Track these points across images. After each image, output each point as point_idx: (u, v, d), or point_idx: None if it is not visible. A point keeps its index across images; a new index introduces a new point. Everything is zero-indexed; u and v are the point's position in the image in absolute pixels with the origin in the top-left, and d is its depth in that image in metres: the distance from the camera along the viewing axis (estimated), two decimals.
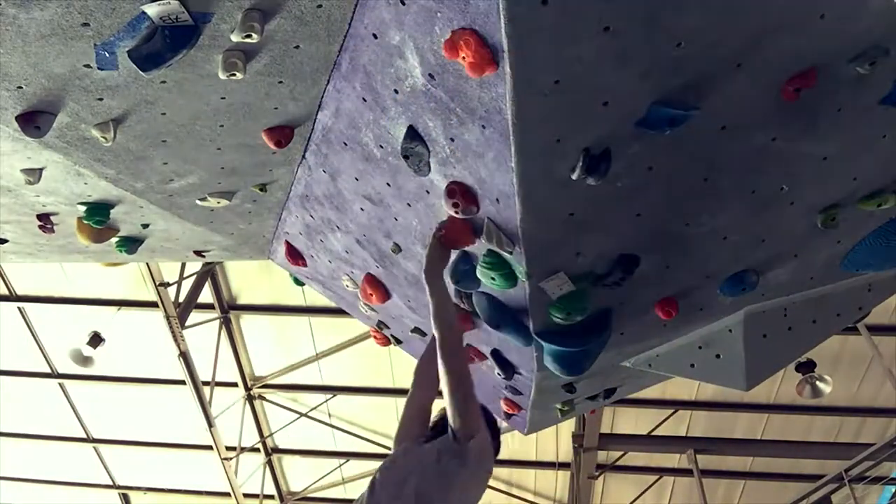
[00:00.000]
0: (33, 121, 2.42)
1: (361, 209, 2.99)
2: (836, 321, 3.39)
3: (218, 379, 8.53)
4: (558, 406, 3.82)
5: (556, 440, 9.09)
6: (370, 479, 2.48)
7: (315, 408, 9.37)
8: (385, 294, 3.50)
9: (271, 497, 10.32)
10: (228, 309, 8.42)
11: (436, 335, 2.53)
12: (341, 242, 3.38)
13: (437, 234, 2.64)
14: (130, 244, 3.72)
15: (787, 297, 3.18)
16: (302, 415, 9.36)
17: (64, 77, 2.24)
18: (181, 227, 3.59)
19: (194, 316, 7.79)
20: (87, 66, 2.20)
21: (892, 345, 7.80)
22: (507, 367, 3.36)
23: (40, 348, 9.01)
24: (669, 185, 2.37)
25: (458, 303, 3.05)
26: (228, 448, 8.99)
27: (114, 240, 3.64)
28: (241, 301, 8.43)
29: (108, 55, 2.16)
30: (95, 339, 7.74)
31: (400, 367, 8.24)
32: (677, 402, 8.76)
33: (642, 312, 2.97)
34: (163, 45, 2.09)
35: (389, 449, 2.80)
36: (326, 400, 9.27)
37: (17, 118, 2.40)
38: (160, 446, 10.16)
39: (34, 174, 2.86)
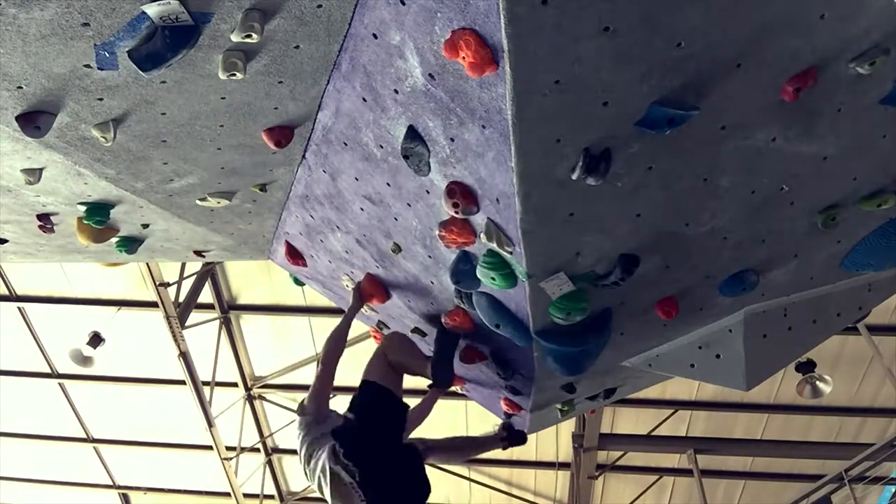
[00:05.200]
0: (33, 121, 2.42)
1: (361, 209, 2.99)
2: (836, 321, 3.39)
3: (218, 379, 8.53)
4: (558, 406, 3.83)
5: (556, 440, 9.09)
6: None
7: None
8: (385, 294, 3.50)
9: (271, 497, 10.32)
10: (228, 309, 8.42)
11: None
12: (341, 242, 3.38)
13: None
14: (130, 244, 3.72)
15: (787, 297, 3.18)
16: None
17: (64, 77, 2.24)
18: (181, 227, 3.59)
19: (194, 316, 7.79)
20: (87, 66, 2.20)
21: (892, 345, 7.80)
22: (507, 367, 3.36)
23: (40, 348, 9.01)
24: (669, 185, 2.37)
25: (459, 303, 3.05)
26: (228, 448, 8.99)
27: (114, 240, 3.64)
28: (241, 301, 8.43)
29: (108, 55, 2.15)
30: (95, 339, 7.73)
31: None
32: (677, 402, 8.76)
33: (642, 312, 2.97)
34: (163, 45, 2.09)
35: None
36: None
37: (17, 118, 2.40)
38: (160, 446, 10.17)
39: (34, 174, 2.86)
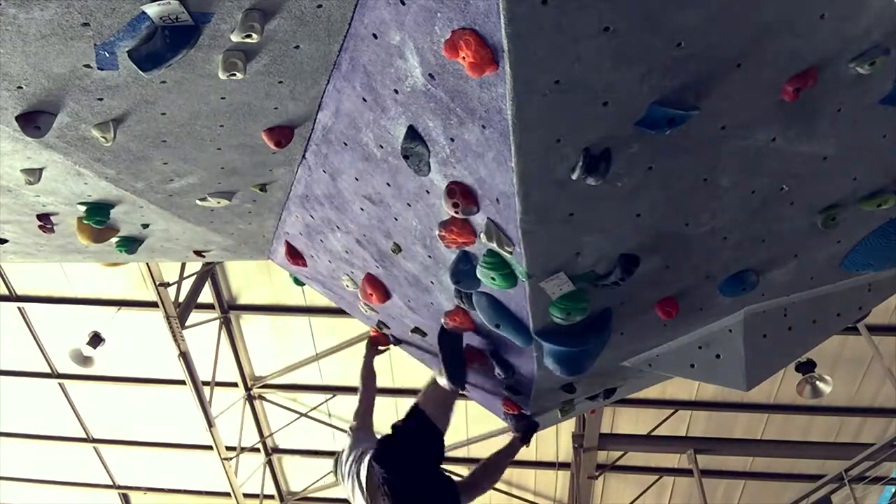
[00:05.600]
0: (33, 121, 2.42)
1: (361, 209, 2.99)
2: (836, 321, 3.39)
3: (218, 379, 8.53)
4: (558, 406, 3.82)
5: (556, 440, 9.10)
6: None
7: (315, 408, 9.37)
8: (385, 294, 3.50)
9: (271, 497, 10.33)
10: (228, 309, 8.43)
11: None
12: (341, 242, 3.38)
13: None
14: (130, 244, 3.72)
15: (787, 297, 3.18)
16: (302, 415, 9.37)
17: (64, 77, 2.24)
18: (181, 227, 3.59)
19: (194, 316, 7.79)
20: (87, 66, 2.20)
21: (892, 345, 7.81)
22: (507, 367, 3.36)
23: (40, 348, 9.01)
24: (669, 185, 2.37)
25: (459, 303, 3.05)
26: (228, 448, 9.00)
27: (114, 240, 3.64)
28: (241, 301, 8.43)
29: (108, 55, 2.15)
30: (95, 339, 7.74)
31: (400, 367, 8.25)
32: (677, 402, 8.76)
33: (642, 312, 2.97)
34: (163, 45, 2.09)
35: None
36: (326, 400, 9.28)
37: (17, 118, 2.40)
38: (160, 446, 10.17)
39: (34, 174, 2.86)
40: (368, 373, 4.22)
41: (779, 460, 9.26)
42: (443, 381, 3.50)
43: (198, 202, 3.27)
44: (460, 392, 3.72)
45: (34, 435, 10.20)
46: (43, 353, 9.08)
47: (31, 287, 8.39)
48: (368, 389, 4.17)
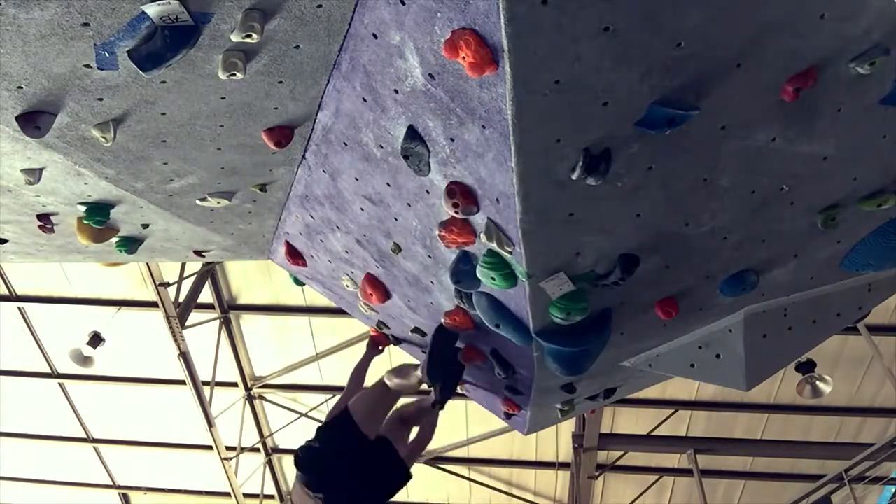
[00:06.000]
0: (33, 121, 2.42)
1: (361, 209, 2.99)
2: (836, 321, 3.39)
3: (218, 379, 8.53)
4: (558, 406, 3.83)
5: (556, 440, 9.10)
6: None
7: (315, 408, 9.37)
8: (385, 294, 3.50)
9: (271, 497, 10.32)
10: (228, 309, 8.43)
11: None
12: (341, 242, 3.38)
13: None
14: (130, 244, 3.72)
15: (787, 297, 3.18)
16: (302, 415, 9.36)
17: (64, 77, 2.24)
18: (181, 227, 3.59)
19: (194, 316, 7.79)
20: (87, 66, 2.20)
21: (892, 345, 7.81)
22: (507, 367, 3.36)
23: (40, 348, 9.01)
24: (669, 185, 2.37)
25: (459, 303, 3.06)
26: (228, 448, 9.00)
27: (114, 240, 3.64)
28: (241, 301, 8.43)
29: (108, 55, 2.16)
30: (95, 339, 7.74)
31: None
32: (677, 402, 8.76)
33: (642, 312, 2.97)
34: (163, 45, 2.09)
35: None
36: (326, 400, 9.28)
37: (17, 118, 2.40)
38: (160, 446, 10.17)
39: (34, 174, 2.86)
40: (359, 377, 4.20)
41: (779, 460, 9.26)
42: (417, 375, 3.52)
43: (198, 202, 3.27)
44: (399, 395, 3.87)
45: (34, 435, 10.20)
46: (43, 353, 9.08)
47: (31, 287, 8.39)
48: (351, 394, 4.08)
